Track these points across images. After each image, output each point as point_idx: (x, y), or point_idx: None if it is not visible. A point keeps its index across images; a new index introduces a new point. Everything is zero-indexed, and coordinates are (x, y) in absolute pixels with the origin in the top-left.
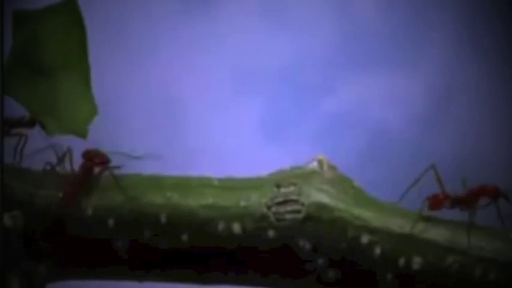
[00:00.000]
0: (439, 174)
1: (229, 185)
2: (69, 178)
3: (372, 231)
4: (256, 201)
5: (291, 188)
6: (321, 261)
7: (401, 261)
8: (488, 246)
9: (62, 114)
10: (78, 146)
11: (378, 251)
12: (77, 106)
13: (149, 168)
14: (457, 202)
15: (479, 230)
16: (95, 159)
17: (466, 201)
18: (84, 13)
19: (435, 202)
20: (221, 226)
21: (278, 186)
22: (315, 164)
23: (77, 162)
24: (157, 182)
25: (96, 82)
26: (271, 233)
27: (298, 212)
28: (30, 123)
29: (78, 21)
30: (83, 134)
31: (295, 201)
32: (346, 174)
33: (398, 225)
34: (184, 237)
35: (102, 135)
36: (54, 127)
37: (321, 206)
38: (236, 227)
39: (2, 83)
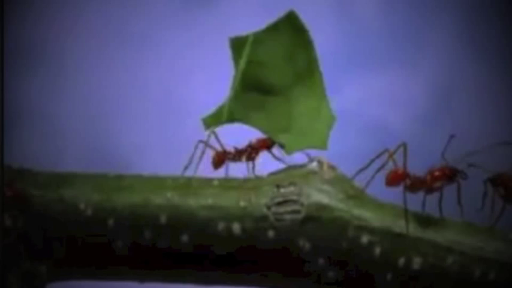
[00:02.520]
0: (407, 152)
1: (229, 185)
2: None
3: (372, 231)
4: (256, 201)
5: (291, 188)
6: (321, 261)
7: (401, 261)
8: (488, 246)
9: (300, 130)
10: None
11: (377, 251)
12: (315, 118)
13: (149, 169)
14: (418, 183)
15: (479, 230)
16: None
17: (426, 183)
18: (84, 13)
19: (394, 177)
20: (221, 226)
21: (278, 186)
22: (314, 165)
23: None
24: (157, 183)
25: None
26: (271, 234)
27: (298, 212)
28: (269, 145)
29: (302, 33)
30: (322, 146)
31: (295, 202)
32: (346, 174)
33: (398, 225)
34: (185, 237)
35: (102, 134)
36: (293, 145)
37: (321, 206)
38: (236, 227)
39: (2, 83)
